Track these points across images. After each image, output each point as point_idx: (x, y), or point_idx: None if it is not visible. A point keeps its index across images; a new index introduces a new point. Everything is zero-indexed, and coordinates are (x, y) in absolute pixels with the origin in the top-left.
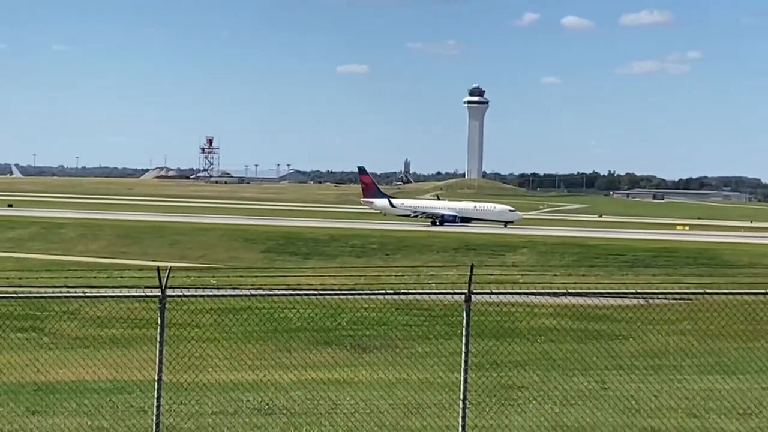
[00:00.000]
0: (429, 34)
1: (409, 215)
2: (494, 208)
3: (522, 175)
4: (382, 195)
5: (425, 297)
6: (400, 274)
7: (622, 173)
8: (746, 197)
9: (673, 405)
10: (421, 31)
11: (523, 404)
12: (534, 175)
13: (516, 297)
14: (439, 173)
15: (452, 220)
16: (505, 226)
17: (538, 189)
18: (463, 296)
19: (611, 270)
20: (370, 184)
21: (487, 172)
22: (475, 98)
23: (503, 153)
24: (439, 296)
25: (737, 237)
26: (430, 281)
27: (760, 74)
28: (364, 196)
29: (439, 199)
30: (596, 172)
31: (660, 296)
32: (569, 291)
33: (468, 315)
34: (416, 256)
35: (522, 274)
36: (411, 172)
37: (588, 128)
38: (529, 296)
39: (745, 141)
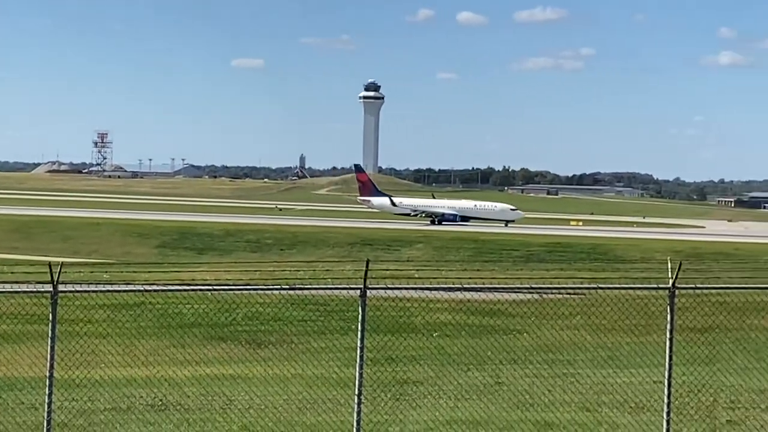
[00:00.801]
0: (323, 29)
1: (408, 214)
2: (495, 207)
3: (417, 171)
4: (381, 194)
5: (321, 292)
6: (295, 269)
7: (517, 169)
8: (638, 193)
9: (566, 399)
10: (316, 25)
11: (418, 399)
12: (429, 170)
13: (412, 292)
14: (335, 168)
15: (453, 219)
16: (506, 225)
17: (434, 184)
18: (358, 291)
19: (506, 265)
20: (366, 182)
21: (383, 168)
22: (371, 93)
23: (399, 148)
24: (335, 291)
25: (630, 232)
26: (325, 276)
27: (652, 71)
28: (361, 195)
29: (433, 197)
30: (491, 168)
31: (554, 291)
32: (464, 286)
33: (363, 310)
34: (312, 251)
35: (417, 269)
36: (306, 167)
37: (483, 124)
38: (425, 291)
39: (638, 137)
